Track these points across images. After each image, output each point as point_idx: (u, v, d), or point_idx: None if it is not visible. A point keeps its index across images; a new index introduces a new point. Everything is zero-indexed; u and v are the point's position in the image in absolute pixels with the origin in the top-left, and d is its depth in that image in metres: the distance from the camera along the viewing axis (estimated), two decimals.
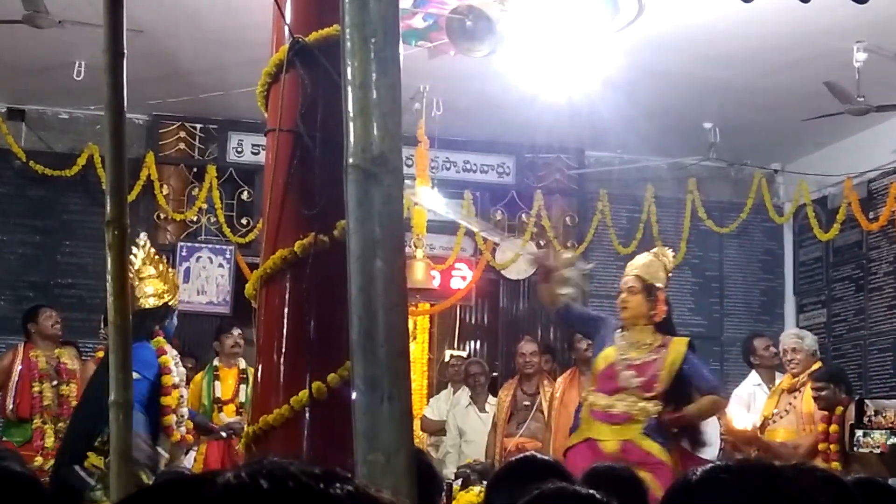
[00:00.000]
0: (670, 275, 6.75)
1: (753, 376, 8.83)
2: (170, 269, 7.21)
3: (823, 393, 7.26)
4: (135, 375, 6.52)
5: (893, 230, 10.32)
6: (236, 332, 8.80)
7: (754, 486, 1.53)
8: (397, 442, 1.56)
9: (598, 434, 6.19)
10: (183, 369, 7.24)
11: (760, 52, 8.61)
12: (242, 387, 8.38)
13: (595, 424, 6.22)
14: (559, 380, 8.79)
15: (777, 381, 8.27)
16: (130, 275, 6.85)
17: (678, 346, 6.41)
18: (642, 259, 6.61)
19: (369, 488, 0.84)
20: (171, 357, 6.87)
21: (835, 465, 6.97)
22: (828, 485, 1.99)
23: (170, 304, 6.92)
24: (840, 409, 7.19)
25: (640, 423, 6.15)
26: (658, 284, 6.49)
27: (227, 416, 8.52)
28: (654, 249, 6.90)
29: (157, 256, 7.06)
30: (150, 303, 6.83)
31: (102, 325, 8.78)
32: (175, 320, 7.06)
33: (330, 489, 0.82)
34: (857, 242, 10.90)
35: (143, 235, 7.18)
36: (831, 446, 7.20)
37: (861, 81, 8.38)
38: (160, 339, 6.82)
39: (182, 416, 7.05)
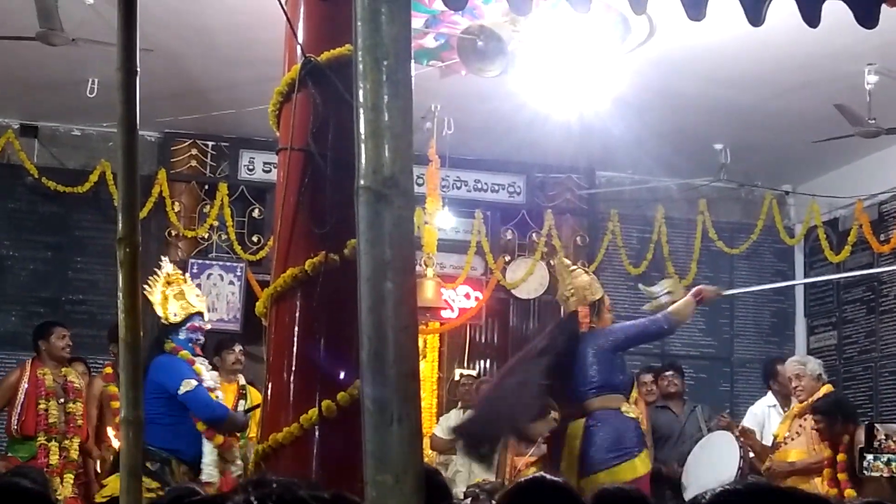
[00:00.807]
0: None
1: (769, 397, 8.88)
2: (185, 284, 7.46)
3: (821, 426, 7.33)
4: (193, 383, 6.84)
5: None
6: (238, 348, 8.85)
7: None
8: (406, 463, 1.56)
9: None
10: (215, 373, 7.50)
11: (771, 73, 8.62)
12: (241, 402, 8.40)
13: None
14: None
15: (792, 405, 8.27)
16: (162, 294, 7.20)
17: None
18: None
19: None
20: (201, 364, 7.20)
21: (848, 492, 6.98)
22: None
23: (171, 321, 7.21)
24: (846, 437, 7.20)
25: None
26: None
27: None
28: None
29: (180, 275, 7.46)
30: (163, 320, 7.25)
31: (109, 342, 8.83)
32: (187, 334, 7.27)
33: None
34: (868, 265, 10.87)
35: (166, 261, 7.48)
36: (840, 475, 7.20)
37: (872, 104, 8.38)
38: (184, 352, 7.12)
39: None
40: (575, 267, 7.25)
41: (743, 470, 7.99)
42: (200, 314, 7.36)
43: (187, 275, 8.05)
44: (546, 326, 8.81)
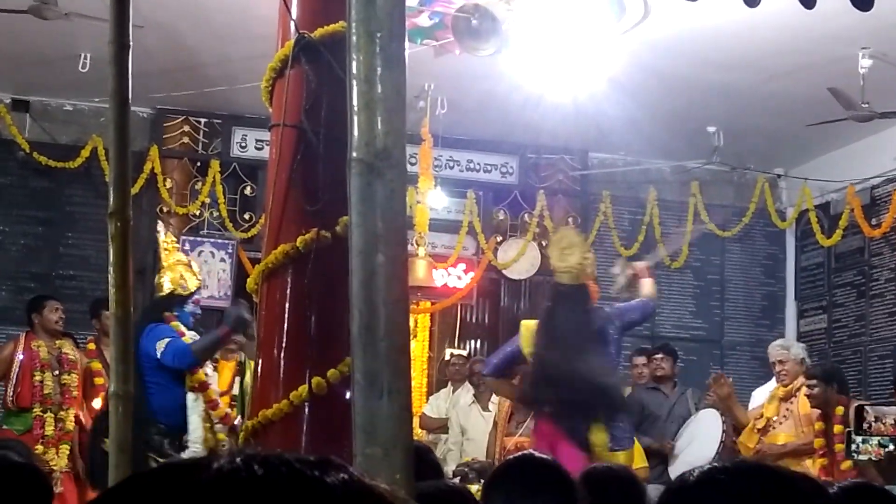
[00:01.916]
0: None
1: (773, 383, 8.87)
2: (189, 258, 7.39)
3: (815, 391, 7.35)
4: (167, 340, 6.64)
5: (895, 237, 10.32)
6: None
7: (752, 488, 1.54)
8: (395, 436, 1.56)
9: None
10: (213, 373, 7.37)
11: (765, 56, 8.62)
12: (237, 378, 8.39)
13: None
14: None
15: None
16: (161, 264, 7.06)
17: None
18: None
19: (364, 477, 0.84)
20: (191, 338, 6.97)
21: (846, 463, 7.04)
22: (824, 487, 1.99)
23: (179, 293, 7.04)
24: (840, 409, 7.24)
25: None
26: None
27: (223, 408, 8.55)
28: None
29: (176, 244, 7.30)
30: (163, 291, 7.05)
31: (91, 317, 8.81)
32: (192, 308, 7.16)
33: (324, 476, 0.82)
34: (859, 249, 10.90)
35: (160, 224, 7.35)
36: (836, 445, 7.25)
37: (865, 88, 8.38)
38: (175, 323, 6.95)
39: (214, 391, 7.13)
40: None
41: (725, 444, 8.05)
42: (200, 288, 7.32)
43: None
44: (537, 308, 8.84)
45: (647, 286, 7.09)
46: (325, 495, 0.81)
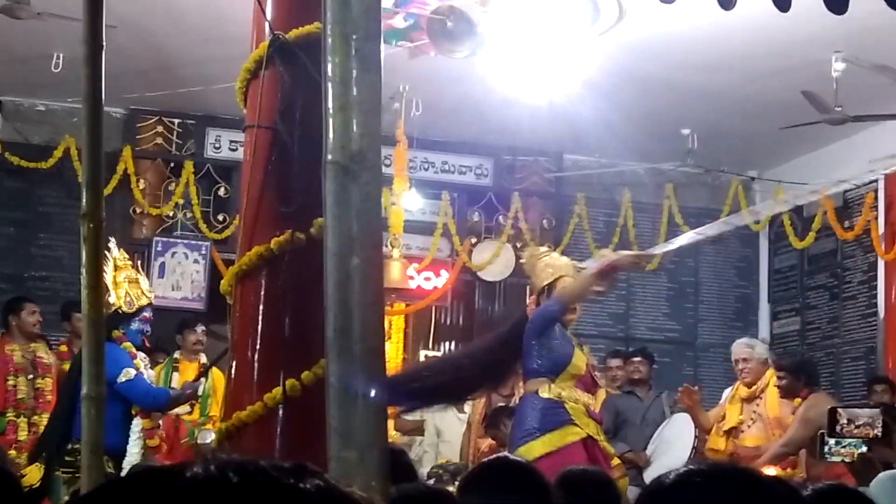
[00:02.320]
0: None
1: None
2: (139, 273, 7.28)
3: (784, 381, 7.43)
4: (134, 374, 6.62)
5: (868, 239, 10.37)
6: (200, 328, 8.88)
7: (727, 490, 1.54)
8: (371, 440, 1.56)
9: (596, 434, 6.22)
10: (152, 372, 7.34)
11: (740, 60, 8.65)
12: (202, 380, 8.38)
13: (592, 423, 6.23)
14: None
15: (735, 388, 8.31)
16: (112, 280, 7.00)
17: None
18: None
19: (339, 484, 0.84)
20: (142, 360, 7.00)
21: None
22: (798, 491, 1.99)
23: (123, 310, 6.99)
24: (798, 400, 7.32)
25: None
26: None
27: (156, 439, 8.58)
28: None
29: (128, 261, 7.19)
30: (110, 308, 6.94)
31: (62, 319, 8.76)
32: (139, 325, 7.09)
33: (299, 483, 0.82)
34: (832, 251, 10.95)
35: (112, 242, 7.26)
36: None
37: (839, 91, 8.42)
38: (127, 343, 6.91)
39: (158, 423, 7.13)
40: (543, 249, 7.23)
41: (698, 449, 8.05)
42: (151, 305, 7.23)
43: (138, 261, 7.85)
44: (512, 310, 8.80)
45: (570, 282, 6.46)
46: (301, 502, 0.81)
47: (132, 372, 6.69)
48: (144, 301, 7.10)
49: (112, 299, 6.97)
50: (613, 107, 9.08)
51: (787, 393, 7.47)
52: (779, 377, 7.50)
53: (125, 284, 7.07)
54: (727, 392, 8.72)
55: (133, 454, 6.96)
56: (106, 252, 7.06)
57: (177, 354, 8.99)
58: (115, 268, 7.10)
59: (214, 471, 0.81)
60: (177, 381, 8.74)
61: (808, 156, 11.01)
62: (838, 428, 6.23)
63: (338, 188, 1.60)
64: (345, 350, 1.57)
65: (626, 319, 11.59)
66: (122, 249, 7.37)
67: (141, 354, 7.05)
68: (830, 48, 8.26)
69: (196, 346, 8.83)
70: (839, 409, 6.40)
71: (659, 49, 8.42)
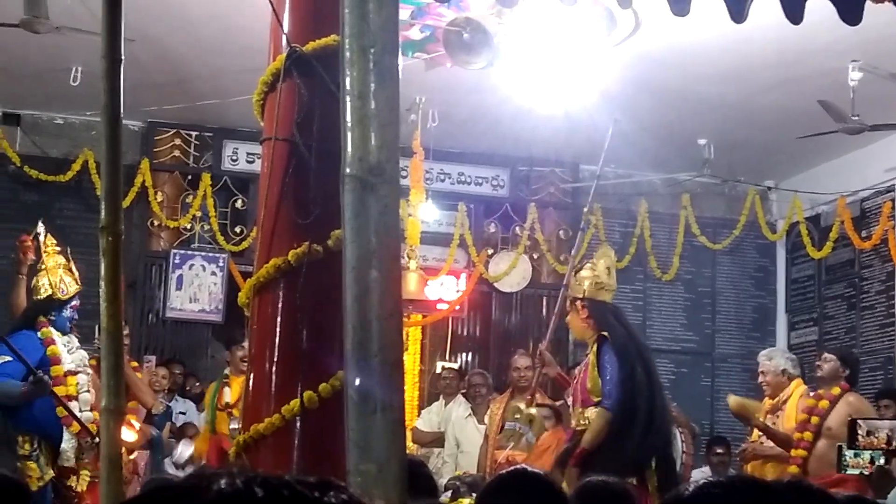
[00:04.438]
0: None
1: None
2: (69, 261, 7.26)
3: (827, 365, 7.44)
4: (6, 358, 6.53)
5: (886, 249, 10.33)
6: (247, 344, 8.92)
7: (746, 502, 1.54)
8: (389, 452, 1.56)
9: None
10: (81, 354, 7.20)
11: (756, 69, 8.63)
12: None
13: None
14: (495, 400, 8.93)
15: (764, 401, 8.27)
16: (41, 266, 6.95)
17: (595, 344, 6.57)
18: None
19: (363, 498, 0.84)
20: (63, 345, 6.96)
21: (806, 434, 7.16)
22: (820, 501, 1.99)
23: (57, 297, 7.00)
24: (837, 390, 7.28)
25: None
26: (577, 296, 6.79)
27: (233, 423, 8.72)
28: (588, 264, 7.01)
29: (57, 247, 7.20)
30: (41, 294, 7.02)
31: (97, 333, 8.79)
32: (70, 312, 7.10)
33: (324, 498, 0.82)
34: (849, 261, 10.92)
35: (40, 225, 7.25)
36: (805, 434, 7.25)
37: (855, 100, 8.40)
38: (47, 329, 6.92)
39: (85, 401, 7.02)
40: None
41: (686, 464, 8.03)
42: (79, 292, 7.17)
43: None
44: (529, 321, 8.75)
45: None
46: None
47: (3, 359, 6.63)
48: (75, 289, 7.06)
49: (45, 285, 6.96)
50: (629, 117, 9.08)
51: (825, 380, 7.40)
52: (825, 360, 7.45)
53: (58, 271, 7.06)
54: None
55: (67, 441, 6.86)
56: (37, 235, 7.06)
57: (227, 371, 9.08)
58: (47, 254, 7.07)
59: (240, 485, 0.81)
60: (229, 395, 8.84)
61: (824, 165, 10.98)
62: (859, 440, 6.21)
63: (356, 201, 1.61)
64: (363, 363, 1.57)
65: (642, 330, 11.54)
66: (49, 235, 7.31)
67: (64, 339, 6.99)
68: (847, 57, 8.25)
69: (245, 361, 8.90)
70: (859, 421, 6.38)
71: (675, 59, 8.41)
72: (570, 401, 6.73)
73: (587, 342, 6.84)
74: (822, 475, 6.79)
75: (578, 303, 6.82)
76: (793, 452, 7.29)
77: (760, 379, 7.81)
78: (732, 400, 8.04)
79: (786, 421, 7.58)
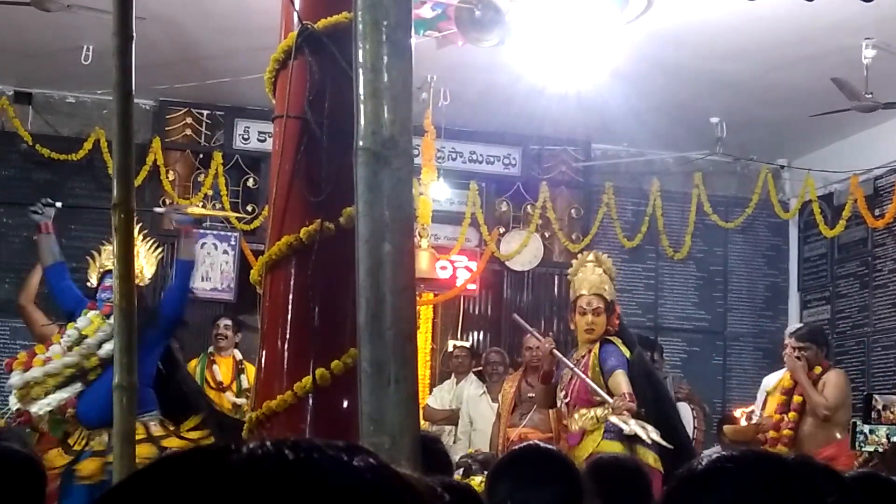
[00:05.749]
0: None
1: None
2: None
3: (809, 353, 7.38)
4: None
5: None
6: (222, 322, 8.98)
7: (760, 477, 1.54)
8: (402, 424, 1.56)
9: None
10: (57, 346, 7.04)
11: (768, 47, 8.60)
12: (242, 377, 8.54)
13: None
14: (507, 378, 8.91)
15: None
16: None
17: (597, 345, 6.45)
18: (596, 276, 6.62)
19: (389, 462, 0.85)
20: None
21: (791, 415, 7.21)
22: (829, 476, 1.99)
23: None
24: (819, 368, 7.29)
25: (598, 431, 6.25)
26: (614, 299, 6.65)
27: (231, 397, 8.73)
28: (591, 258, 6.83)
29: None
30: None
31: None
32: (104, 294, 6.95)
33: (353, 461, 0.83)
34: (862, 239, 10.89)
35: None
36: (784, 431, 7.25)
37: (869, 78, 8.37)
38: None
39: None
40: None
41: (698, 440, 8.03)
42: (111, 271, 7.10)
43: None
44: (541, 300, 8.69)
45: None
46: (357, 480, 0.82)
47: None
48: (108, 267, 6.85)
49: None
50: (641, 95, 9.06)
51: (811, 364, 7.40)
52: (804, 348, 7.42)
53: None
54: (773, 379, 8.51)
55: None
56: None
57: (211, 349, 9.13)
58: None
59: (270, 448, 0.82)
60: (220, 374, 8.88)
61: (838, 143, 10.94)
62: (874, 414, 6.18)
63: (369, 174, 1.61)
64: (377, 335, 1.57)
65: (654, 309, 11.55)
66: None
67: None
68: (860, 34, 8.21)
69: (219, 340, 8.97)
70: (875, 396, 6.35)
71: (687, 37, 8.38)
72: (564, 409, 6.60)
73: (582, 343, 6.65)
74: (813, 454, 6.77)
75: (615, 304, 6.67)
76: (783, 432, 7.31)
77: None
78: (728, 429, 8.09)
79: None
